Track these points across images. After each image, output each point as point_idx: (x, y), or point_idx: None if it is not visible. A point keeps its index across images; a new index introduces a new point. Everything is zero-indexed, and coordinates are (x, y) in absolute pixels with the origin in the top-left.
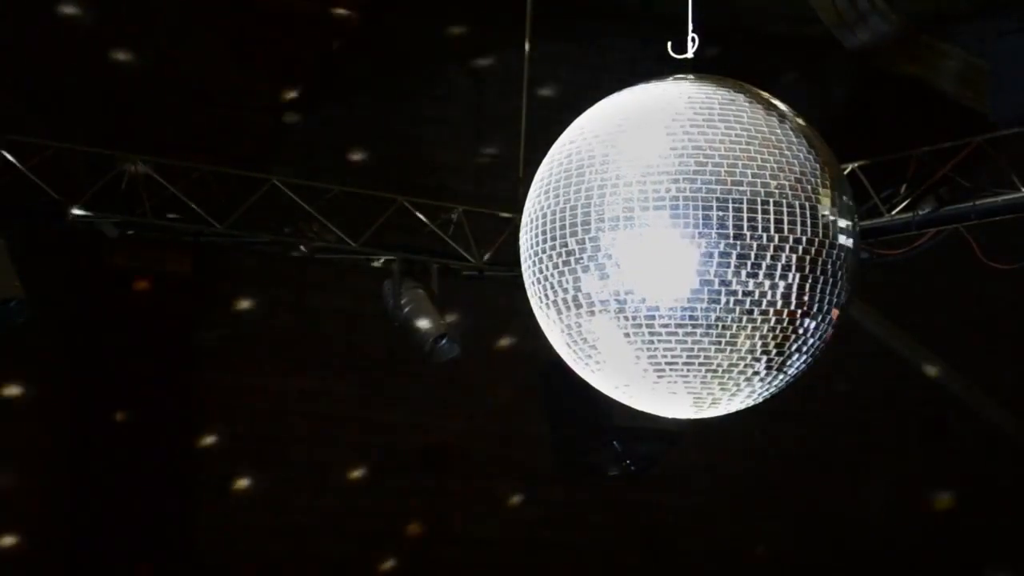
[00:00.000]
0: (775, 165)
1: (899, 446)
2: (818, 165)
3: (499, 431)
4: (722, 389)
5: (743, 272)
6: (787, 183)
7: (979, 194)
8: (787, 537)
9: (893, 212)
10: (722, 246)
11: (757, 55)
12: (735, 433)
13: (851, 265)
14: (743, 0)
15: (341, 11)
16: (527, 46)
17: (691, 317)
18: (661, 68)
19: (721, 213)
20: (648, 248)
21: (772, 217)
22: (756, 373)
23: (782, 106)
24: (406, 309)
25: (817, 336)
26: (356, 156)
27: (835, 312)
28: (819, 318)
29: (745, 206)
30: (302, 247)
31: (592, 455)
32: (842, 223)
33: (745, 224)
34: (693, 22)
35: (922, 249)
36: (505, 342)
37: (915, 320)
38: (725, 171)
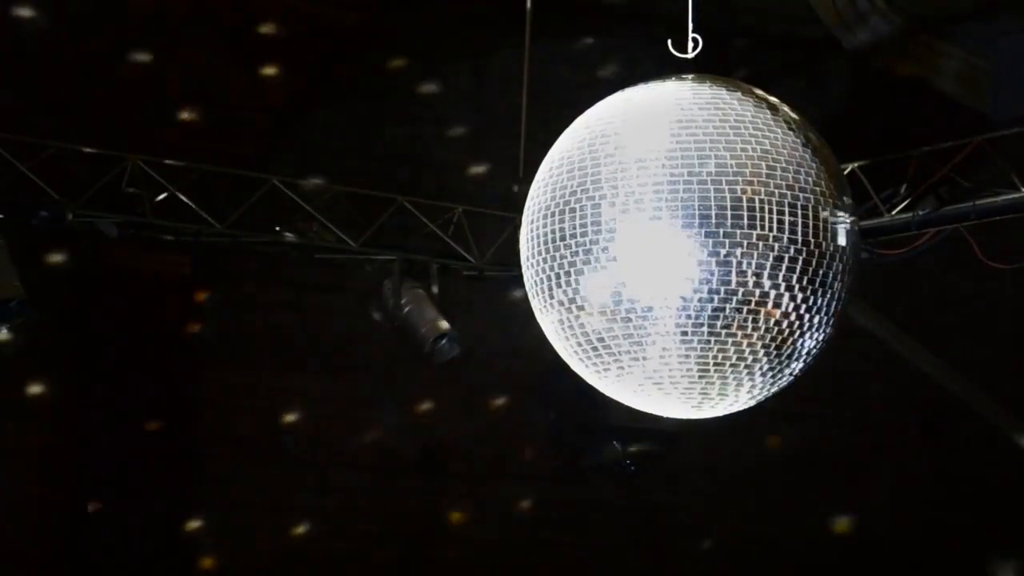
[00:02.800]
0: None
1: (899, 446)
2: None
3: (499, 431)
4: (749, 389)
5: (806, 277)
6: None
7: (979, 194)
8: (787, 537)
9: (893, 212)
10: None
11: (757, 55)
12: (735, 433)
13: (851, 265)
14: (743, 0)
15: (341, 11)
16: (527, 46)
17: (754, 319)
18: (661, 68)
19: (792, 218)
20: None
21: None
22: (778, 374)
23: (783, 106)
24: (406, 309)
25: (819, 336)
26: (356, 156)
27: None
28: (821, 318)
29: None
30: (302, 247)
31: (592, 455)
32: (842, 223)
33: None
34: (693, 22)
35: (922, 249)
36: (505, 342)
37: (915, 320)
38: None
